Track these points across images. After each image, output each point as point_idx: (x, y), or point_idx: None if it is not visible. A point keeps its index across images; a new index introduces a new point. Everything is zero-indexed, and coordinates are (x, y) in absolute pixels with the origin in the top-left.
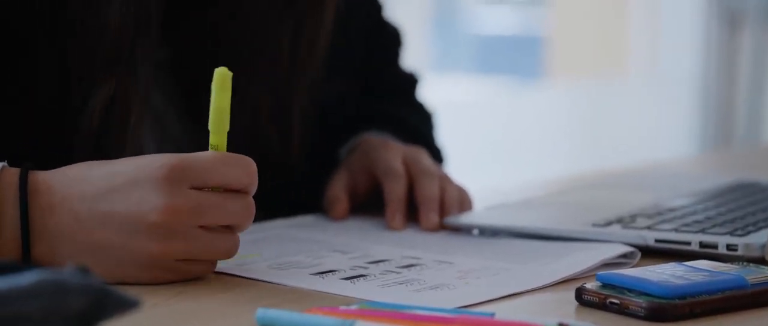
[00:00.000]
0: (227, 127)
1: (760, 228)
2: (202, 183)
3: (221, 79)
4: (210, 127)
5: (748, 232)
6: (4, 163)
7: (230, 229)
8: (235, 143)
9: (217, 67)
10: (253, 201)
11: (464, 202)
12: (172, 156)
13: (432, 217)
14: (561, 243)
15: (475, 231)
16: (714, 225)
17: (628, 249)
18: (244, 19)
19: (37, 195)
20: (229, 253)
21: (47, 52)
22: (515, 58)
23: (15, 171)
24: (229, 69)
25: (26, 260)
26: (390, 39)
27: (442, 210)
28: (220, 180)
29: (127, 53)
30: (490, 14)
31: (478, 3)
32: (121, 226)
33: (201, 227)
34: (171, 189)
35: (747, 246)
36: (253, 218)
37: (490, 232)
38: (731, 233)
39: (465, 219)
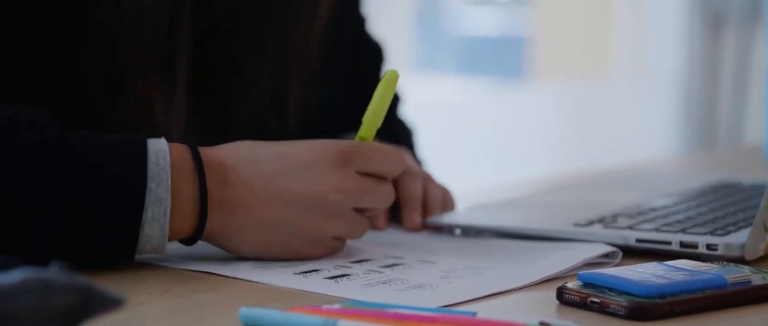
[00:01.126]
0: (379, 125)
1: (740, 228)
2: (363, 170)
3: (391, 80)
4: (364, 120)
5: (728, 232)
6: (163, 139)
7: (362, 211)
8: (237, 129)
9: (226, 54)
10: (393, 188)
11: (447, 202)
12: (338, 142)
13: (415, 217)
14: (543, 242)
15: (458, 231)
16: (694, 225)
17: (609, 248)
18: (253, 6)
19: (211, 170)
20: (362, 234)
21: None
22: (499, 58)
23: (184, 147)
24: (239, 55)
25: (200, 231)
26: (373, 54)
27: (425, 210)
28: (377, 168)
29: (163, 53)
30: (475, 15)
31: (462, 3)
32: (296, 203)
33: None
34: (342, 171)
35: (727, 245)
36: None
37: (473, 232)
38: (711, 233)
39: (447, 218)
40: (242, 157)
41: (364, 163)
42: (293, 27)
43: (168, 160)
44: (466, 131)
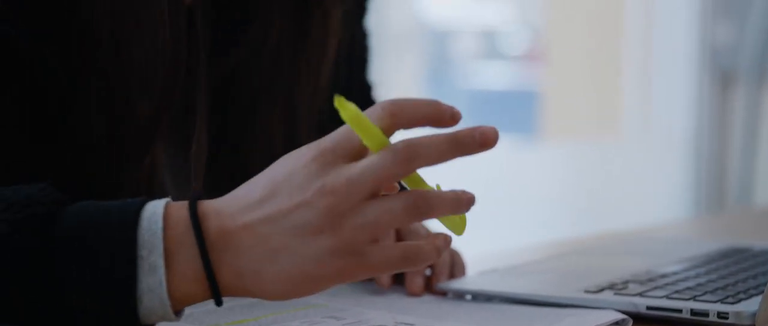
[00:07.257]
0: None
1: (751, 296)
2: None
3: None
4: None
5: (740, 300)
6: (160, 201)
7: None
8: (251, 173)
9: (239, 105)
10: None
11: (456, 266)
12: (316, 142)
13: (417, 281)
14: (554, 309)
15: (468, 297)
16: (705, 292)
17: (619, 316)
18: (265, 56)
19: (209, 221)
20: (388, 226)
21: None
22: (510, 114)
23: (182, 205)
24: (249, 105)
25: (215, 289)
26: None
27: (432, 274)
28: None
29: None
30: (485, 69)
31: (473, 58)
32: (288, 222)
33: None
34: (323, 170)
35: (737, 314)
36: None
37: (484, 297)
38: (722, 301)
39: (457, 284)
40: (236, 197)
41: (348, 151)
42: (305, 71)
43: (160, 223)
44: (475, 189)
